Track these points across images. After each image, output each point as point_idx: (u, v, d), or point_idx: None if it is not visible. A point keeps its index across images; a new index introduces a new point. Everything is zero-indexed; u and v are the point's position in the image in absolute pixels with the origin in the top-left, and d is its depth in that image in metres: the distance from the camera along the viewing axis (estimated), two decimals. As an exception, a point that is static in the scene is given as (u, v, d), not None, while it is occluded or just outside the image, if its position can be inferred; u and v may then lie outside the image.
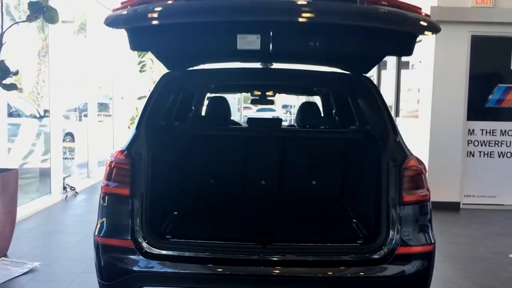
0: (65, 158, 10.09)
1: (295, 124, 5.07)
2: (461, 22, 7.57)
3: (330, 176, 4.20)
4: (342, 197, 4.21)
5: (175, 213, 3.71)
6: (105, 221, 3.00)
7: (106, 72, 11.81)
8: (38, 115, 12.11)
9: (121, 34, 2.98)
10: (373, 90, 3.31)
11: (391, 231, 2.91)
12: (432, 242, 2.96)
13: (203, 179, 4.20)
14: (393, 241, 2.89)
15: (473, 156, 7.95)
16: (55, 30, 7.77)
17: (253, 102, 6.31)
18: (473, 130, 7.93)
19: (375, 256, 2.86)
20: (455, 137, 7.79)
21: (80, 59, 10.30)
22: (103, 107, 15.15)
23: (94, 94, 10.40)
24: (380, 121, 3.19)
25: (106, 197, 3.01)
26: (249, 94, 6.60)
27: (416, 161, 3.03)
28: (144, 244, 2.90)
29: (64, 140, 11.26)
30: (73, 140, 12.34)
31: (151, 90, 3.34)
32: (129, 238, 2.91)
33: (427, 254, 2.94)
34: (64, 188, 8.29)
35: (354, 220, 3.61)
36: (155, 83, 3.42)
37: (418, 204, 2.97)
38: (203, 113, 5.30)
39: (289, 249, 2.99)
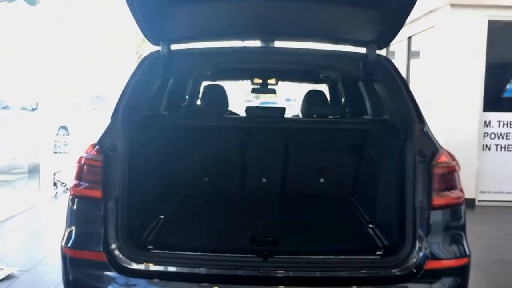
0: (59, 153, 9.62)
1: (300, 115, 4.56)
2: (477, 6, 7.06)
3: (341, 173, 3.75)
4: (353, 197, 3.71)
5: (161, 217, 3.22)
6: (74, 229, 2.53)
7: (102, 62, 11.38)
8: (30, 108, 11.66)
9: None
10: (394, 72, 2.79)
11: (418, 241, 2.43)
12: (467, 254, 2.49)
13: (196, 177, 3.72)
14: (421, 254, 2.41)
15: (489, 149, 7.43)
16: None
17: (254, 91, 5.79)
18: (489, 121, 7.41)
19: (399, 273, 2.40)
20: (470, 129, 7.26)
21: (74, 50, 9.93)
22: (100, 99, 14.70)
23: (87, 86, 9.93)
24: (403, 108, 2.70)
25: (76, 200, 2.54)
26: (248, 88, 6.03)
27: (447, 156, 2.55)
28: (120, 257, 2.44)
29: (58, 134, 10.81)
30: (67, 133, 11.89)
31: (131, 72, 2.83)
32: (101, 249, 2.43)
33: (462, 269, 2.46)
34: (55, 184, 7.83)
35: (370, 225, 3.11)
36: (138, 63, 2.91)
37: (450, 208, 2.50)
38: (198, 103, 4.78)
39: (294, 263, 2.50)
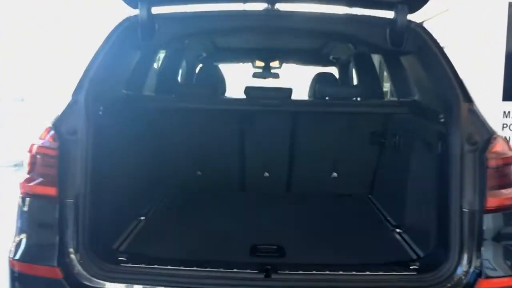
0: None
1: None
2: (497, -14, 6.47)
3: (358, 167, 3.22)
4: (371, 195, 3.16)
5: (141, 218, 2.66)
6: (24, 237, 1.99)
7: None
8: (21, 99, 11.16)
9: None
10: (430, 41, 2.22)
11: (466, 253, 1.89)
12: None
13: (186, 171, 3.17)
14: (471, 270, 1.87)
15: (508, 141, 6.85)
16: None
17: (256, 76, 5.19)
18: (509, 112, 6.83)
19: None
20: (488, 120, 6.69)
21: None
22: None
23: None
24: (443, 85, 2.15)
25: (26, 200, 1.99)
26: (248, 77, 5.37)
27: (504, 144, 2.00)
28: (81, 273, 1.91)
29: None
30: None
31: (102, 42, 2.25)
32: (55, 264, 1.89)
33: None
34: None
35: (397, 230, 2.56)
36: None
37: (507, 212, 1.94)
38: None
39: (306, 282, 1.94)
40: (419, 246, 2.30)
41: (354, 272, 1.96)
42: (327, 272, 1.95)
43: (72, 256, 1.91)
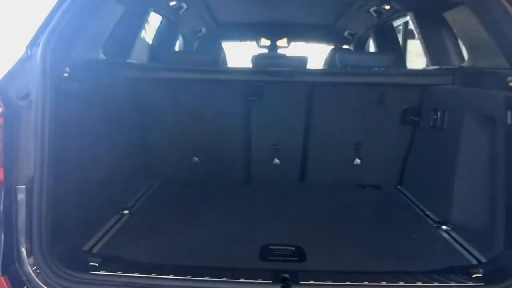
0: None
1: None
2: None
3: (385, 151, 2.73)
4: (400, 185, 2.67)
5: (123, 212, 2.17)
6: None
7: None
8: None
9: None
10: None
11: None
12: None
13: (180, 156, 2.69)
14: None
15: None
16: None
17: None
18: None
19: None
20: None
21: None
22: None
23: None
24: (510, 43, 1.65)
25: None
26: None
27: None
28: (35, 283, 1.44)
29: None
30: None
31: None
32: (0, 273, 1.40)
33: None
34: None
35: (443, 227, 2.06)
36: None
37: None
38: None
39: None
40: (477, 247, 1.83)
41: (402, 284, 1.46)
42: (366, 283, 1.46)
43: (24, 261, 1.44)
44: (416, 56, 4.64)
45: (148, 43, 3.41)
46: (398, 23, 3.94)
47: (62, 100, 1.60)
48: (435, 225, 2.12)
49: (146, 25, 3.37)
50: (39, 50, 1.55)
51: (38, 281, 1.44)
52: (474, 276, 1.58)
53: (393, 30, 3.51)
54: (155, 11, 3.01)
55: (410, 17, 2.66)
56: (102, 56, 2.17)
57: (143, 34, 3.16)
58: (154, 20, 3.75)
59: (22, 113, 1.50)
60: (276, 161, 2.79)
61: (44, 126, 1.49)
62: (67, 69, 1.72)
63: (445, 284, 1.49)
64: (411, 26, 7.26)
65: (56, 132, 1.54)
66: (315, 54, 5.01)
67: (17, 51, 1.59)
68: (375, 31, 3.52)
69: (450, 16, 2.11)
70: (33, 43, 1.59)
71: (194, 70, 2.51)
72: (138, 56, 2.76)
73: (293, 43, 4.58)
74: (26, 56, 1.57)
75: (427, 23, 2.56)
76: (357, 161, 2.75)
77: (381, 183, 2.75)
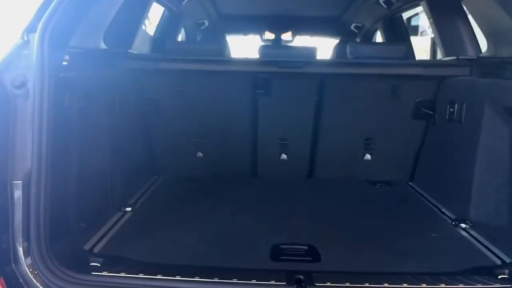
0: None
1: None
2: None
3: (397, 146, 2.64)
4: (412, 181, 2.57)
5: (126, 210, 2.07)
6: None
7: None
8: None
9: None
10: None
11: None
12: None
13: (184, 151, 2.58)
14: None
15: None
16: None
17: None
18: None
19: None
20: None
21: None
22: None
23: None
24: None
25: None
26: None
27: None
28: (33, 284, 1.34)
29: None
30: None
31: None
32: None
33: None
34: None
35: (462, 226, 1.97)
36: None
37: None
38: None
39: None
40: (500, 246, 1.73)
41: (424, 285, 1.37)
42: (386, 285, 1.37)
43: (21, 261, 1.34)
44: (416, 53, 4.56)
45: (150, 35, 3.31)
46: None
47: (62, 89, 1.51)
48: (453, 223, 2.02)
49: (147, 21, 3.29)
50: (36, 35, 1.45)
51: (36, 282, 1.35)
52: (500, 277, 1.49)
53: (403, 22, 3.41)
54: (157, 1, 2.92)
55: (423, 6, 2.56)
56: (103, 45, 2.07)
57: (144, 27, 3.07)
58: (154, 16, 3.67)
59: (18, 103, 1.40)
60: (284, 156, 2.69)
61: (42, 117, 1.40)
62: (67, 57, 1.62)
63: (470, 286, 1.41)
64: (414, 22, 7.09)
65: (55, 124, 1.44)
66: (320, 49, 4.92)
67: (13, 37, 1.49)
68: (383, 23, 3.42)
69: (468, 2, 2.01)
70: (30, 29, 1.49)
71: (200, 61, 2.41)
72: (140, 47, 2.67)
73: (297, 37, 4.51)
74: (23, 42, 1.47)
75: (442, 12, 2.45)
76: (368, 156, 2.66)
77: (392, 179, 2.66)
